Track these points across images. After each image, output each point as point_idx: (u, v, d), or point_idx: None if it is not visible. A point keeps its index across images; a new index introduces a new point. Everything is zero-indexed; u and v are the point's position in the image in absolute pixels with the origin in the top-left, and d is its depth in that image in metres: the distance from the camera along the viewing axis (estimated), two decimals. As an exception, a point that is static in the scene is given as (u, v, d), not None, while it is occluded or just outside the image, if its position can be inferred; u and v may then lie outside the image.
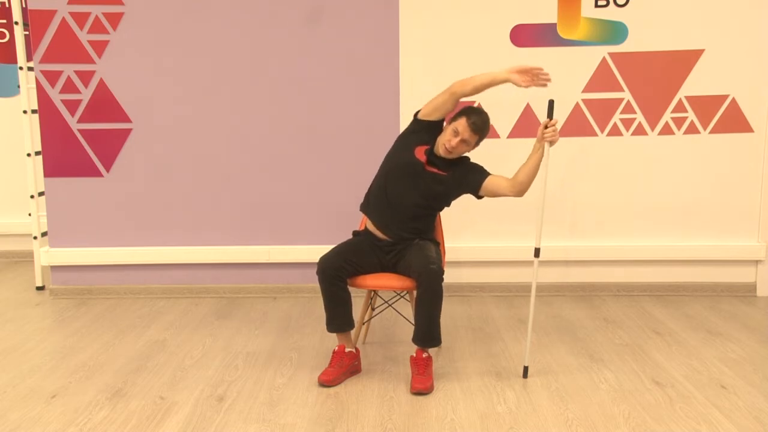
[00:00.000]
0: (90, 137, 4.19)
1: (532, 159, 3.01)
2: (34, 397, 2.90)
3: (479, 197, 3.15)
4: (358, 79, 4.12)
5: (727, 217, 4.19)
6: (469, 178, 3.10)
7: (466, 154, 3.13)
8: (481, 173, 3.10)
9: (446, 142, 3.00)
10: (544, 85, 2.97)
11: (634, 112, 4.11)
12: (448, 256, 3.80)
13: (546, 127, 2.96)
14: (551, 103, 2.94)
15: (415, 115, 3.15)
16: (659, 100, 4.10)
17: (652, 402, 2.81)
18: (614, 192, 4.19)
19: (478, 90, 2.99)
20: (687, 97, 4.09)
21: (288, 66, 4.12)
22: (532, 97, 4.08)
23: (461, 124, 2.98)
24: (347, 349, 3.09)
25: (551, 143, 2.97)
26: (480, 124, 2.99)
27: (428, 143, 3.09)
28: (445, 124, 3.08)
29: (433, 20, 4.05)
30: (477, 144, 3.06)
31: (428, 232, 3.21)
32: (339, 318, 3.07)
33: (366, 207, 3.25)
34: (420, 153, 3.08)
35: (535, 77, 2.93)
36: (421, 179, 3.08)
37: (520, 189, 3.03)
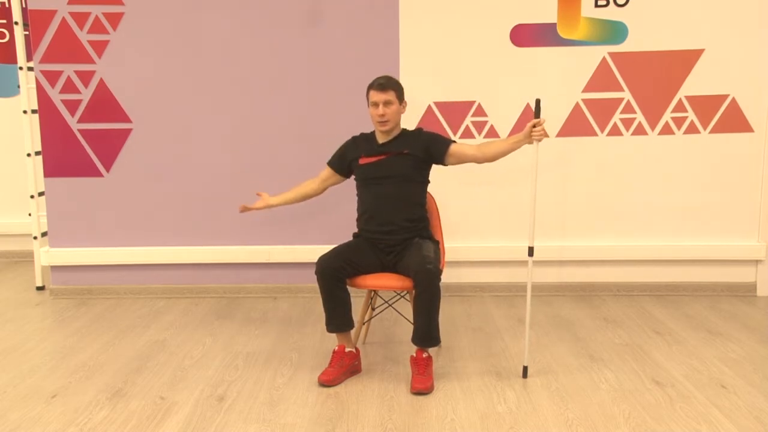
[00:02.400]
0: (90, 137, 4.19)
1: (509, 146, 3.08)
2: (34, 397, 2.90)
3: (445, 165, 3.22)
4: (359, 79, 4.10)
5: (727, 217, 4.19)
6: (432, 149, 3.17)
7: (418, 127, 3.26)
8: (442, 142, 3.18)
9: (377, 117, 3.10)
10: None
11: (634, 112, 4.11)
12: (448, 256, 3.80)
13: (534, 126, 2.96)
14: (538, 102, 2.97)
15: (328, 164, 3.34)
16: (659, 100, 4.10)
17: (652, 402, 2.81)
18: (614, 192, 4.19)
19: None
20: (687, 97, 4.09)
21: (288, 66, 4.12)
22: (533, 97, 4.08)
23: (371, 94, 3.11)
24: (347, 349, 3.09)
25: (539, 141, 2.99)
26: (384, 82, 3.10)
27: (361, 153, 3.20)
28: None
29: (433, 20, 4.05)
30: (401, 100, 3.14)
31: (423, 223, 3.22)
32: (338, 318, 3.08)
33: (362, 228, 3.26)
34: (366, 159, 3.18)
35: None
36: (390, 167, 3.14)
37: (484, 159, 3.16)
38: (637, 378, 3.04)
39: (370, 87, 3.13)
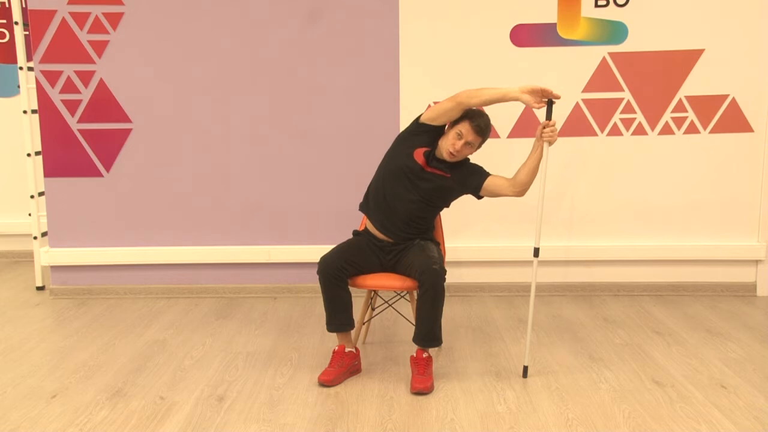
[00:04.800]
0: (90, 137, 4.19)
1: (531, 159, 3.02)
2: (34, 397, 2.90)
3: (479, 197, 3.16)
4: (358, 79, 4.12)
5: (727, 217, 4.19)
6: (469, 180, 3.10)
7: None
8: (481, 174, 3.11)
9: (450, 146, 3.00)
10: (554, 102, 2.95)
11: (634, 112, 4.11)
12: (448, 256, 3.80)
13: (545, 127, 2.97)
14: (550, 103, 2.95)
15: (417, 118, 3.15)
16: (659, 100, 4.10)
17: (652, 402, 2.81)
18: (614, 192, 4.19)
19: (486, 104, 2.98)
20: (687, 97, 4.09)
21: (288, 66, 4.12)
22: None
23: (464, 127, 2.98)
24: (347, 349, 3.09)
25: (550, 143, 2.98)
26: (483, 127, 3.00)
27: (428, 145, 3.09)
28: (446, 127, 3.08)
29: (433, 20, 4.05)
30: (480, 146, 3.07)
31: (428, 232, 3.21)
32: (339, 318, 3.07)
33: (365, 207, 3.25)
34: (419, 155, 3.08)
35: (546, 97, 2.92)
36: (422, 181, 3.08)
37: (520, 189, 3.05)
38: (637, 378, 3.04)
39: (468, 119, 2.98)
